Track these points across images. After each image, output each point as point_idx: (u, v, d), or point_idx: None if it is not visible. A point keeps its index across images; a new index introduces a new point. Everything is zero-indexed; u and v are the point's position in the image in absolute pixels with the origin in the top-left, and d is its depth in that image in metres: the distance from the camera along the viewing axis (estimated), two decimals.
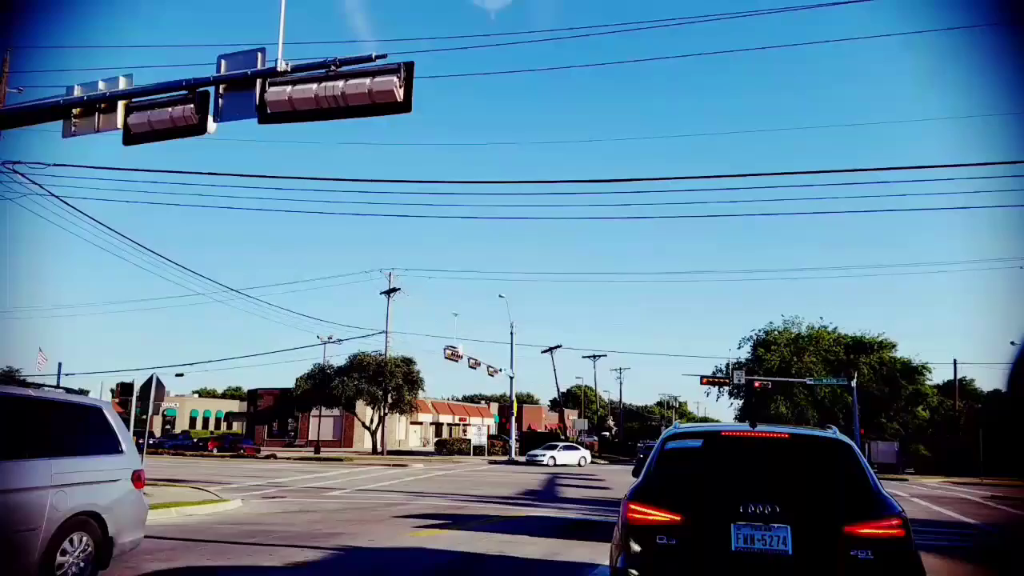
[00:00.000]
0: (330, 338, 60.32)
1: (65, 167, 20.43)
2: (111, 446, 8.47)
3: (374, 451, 56.52)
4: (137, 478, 8.69)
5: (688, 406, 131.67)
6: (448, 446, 65.63)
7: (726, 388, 59.35)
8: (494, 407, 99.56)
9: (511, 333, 62.16)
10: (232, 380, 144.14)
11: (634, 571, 5.59)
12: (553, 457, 50.83)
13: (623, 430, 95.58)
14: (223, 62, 10.67)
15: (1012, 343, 37.06)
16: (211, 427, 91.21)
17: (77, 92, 11.30)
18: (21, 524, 6.90)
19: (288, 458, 50.84)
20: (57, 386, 9.30)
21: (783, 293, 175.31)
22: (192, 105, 10.72)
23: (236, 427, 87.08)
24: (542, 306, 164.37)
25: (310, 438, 67.63)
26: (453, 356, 52.15)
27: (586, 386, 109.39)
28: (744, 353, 62.54)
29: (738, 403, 62.82)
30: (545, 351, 74.03)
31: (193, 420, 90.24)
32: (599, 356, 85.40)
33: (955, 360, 58.51)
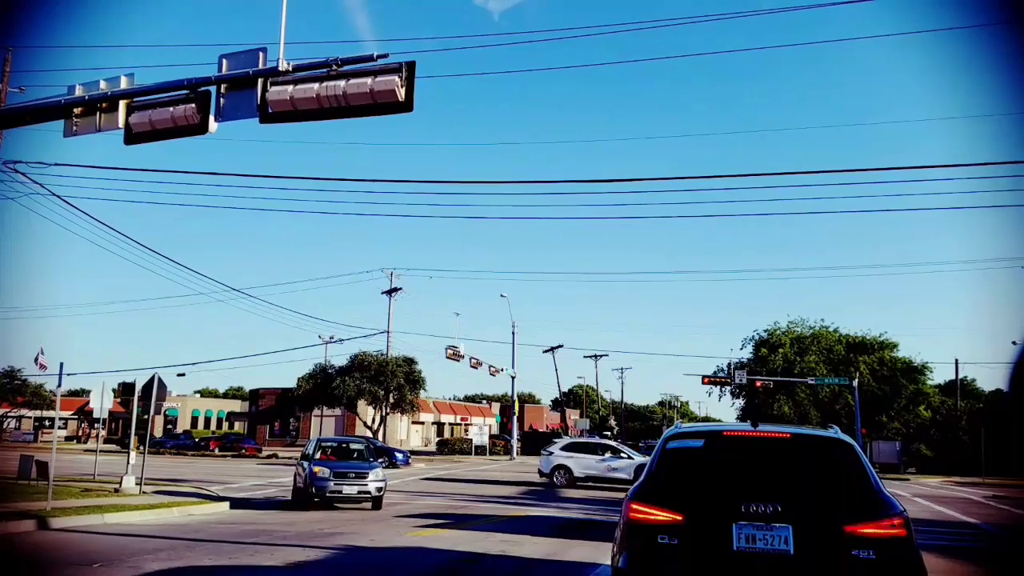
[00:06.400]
0: (332, 338, 60.34)
1: (67, 167, 20.46)
2: None
3: None
4: None
5: (690, 406, 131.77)
6: (450, 446, 65.61)
7: (728, 388, 59.29)
8: (496, 407, 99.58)
9: (513, 333, 62.21)
10: (234, 380, 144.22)
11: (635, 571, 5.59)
12: None
13: (625, 430, 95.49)
14: (224, 62, 10.67)
15: (1014, 343, 37.08)
16: (213, 427, 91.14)
17: (79, 92, 11.30)
18: None
19: (289, 458, 50.76)
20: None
21: (784, 293, 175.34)
22: (193, 104, 10.72)
23: (238, 427, 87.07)
24: (544, 306, 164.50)
25: (312, 438, 67.59)
26: (455, 356, 52.12)
27: (588, 386, 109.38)
28: (746, 353, 62.50)
29: (740, 403, 62.81)
30: (547, 351, 73.98)
31: (195, 420, 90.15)
32: (601, 356, 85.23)
33: (956, 360, 58.43)
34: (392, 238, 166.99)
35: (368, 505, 18.62)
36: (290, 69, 10.29)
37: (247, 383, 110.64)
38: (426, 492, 24.48)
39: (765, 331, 62.16)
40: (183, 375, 60.10)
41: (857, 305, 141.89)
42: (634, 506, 5.74)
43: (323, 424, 65.32)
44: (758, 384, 52.92)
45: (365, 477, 18.32)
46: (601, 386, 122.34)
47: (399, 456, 42.12)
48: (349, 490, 18.08)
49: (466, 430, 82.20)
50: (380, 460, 40.38)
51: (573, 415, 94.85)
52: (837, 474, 5.82)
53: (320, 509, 18.13)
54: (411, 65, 9.91)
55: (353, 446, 21.47)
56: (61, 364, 18.72)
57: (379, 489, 18.46)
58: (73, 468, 29.10)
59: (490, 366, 57.57)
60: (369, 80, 9.89)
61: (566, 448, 29.72)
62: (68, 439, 79.08)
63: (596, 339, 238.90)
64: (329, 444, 21.44)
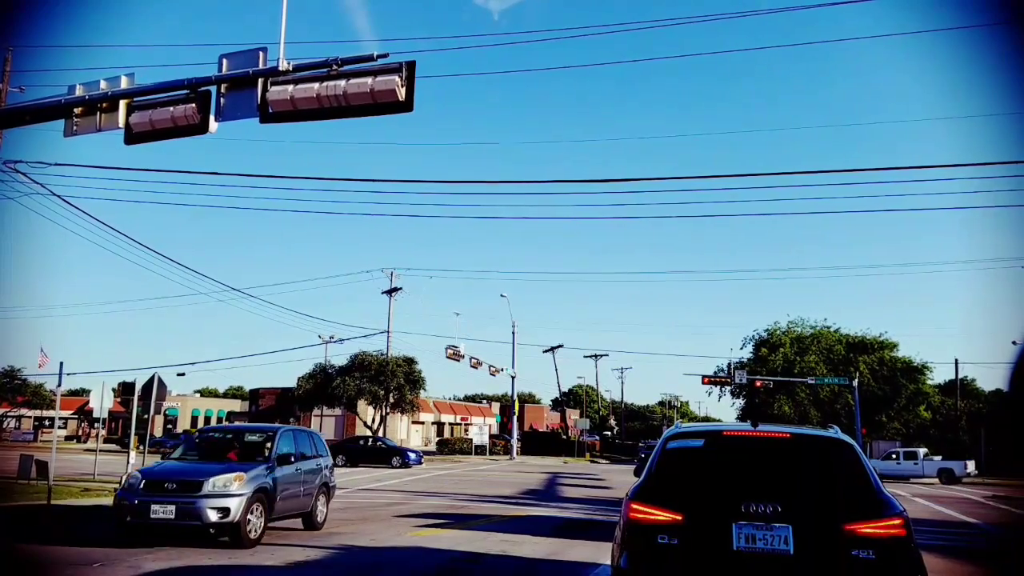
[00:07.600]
0: (332, 338, 60.36)
1: (68, 166, 20.47)
2: None
3: None
4: None
5: (690, 406, 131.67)
6: (450, 445, 65.64)
7: (728, 388, 59.36)
8: (496, 407, 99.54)
9: (513, 333, 62.19)
10: (234, 380, 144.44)
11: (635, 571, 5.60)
12: None
13: (625, 430, 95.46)
14: (225, 61, 10.69)
15: (1014, 343, 37.11)
16: None
17: (79, 91, 11.31)
18: None
19: None
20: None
21: (784, 293, 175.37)
22: (194, 104, 10.73)
23: None
24: (544, 306, 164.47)
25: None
26: (455, 356, 52.13)
27: (588, 386, 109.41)
28: (746, 353, 62.59)
29: (740, 403, 62.87)
30: (547, 351, 74.06)
31: (195, 419, 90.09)
32: (601, 356, 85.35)
33: (956, 360, 58.44)
34: (393, 238, 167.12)
35: (225, 539, 11.38)
36: (290, 69, 10.31)
37: (247, 383, 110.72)
38: (426, 492, 24.49)
39: (765, 331, 62.26)
40: (183, 375, 60.22)
41: (857, 305, 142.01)
42: (634, 506, 5.74)
43: (323, 424, 65.32)
44: (758, 384, 52.96)
45: (196, 490, 10.99)
46: (601, 386, 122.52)
47: (411, 456, 42.56)
48: (161, 511, 10.90)
49: (466, 430, 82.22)
50: (394, 459, 40.73)
51: (573, 415, 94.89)
52: (837, 474, 5.82)
53: (142, 545, 11.10)
54: (411, 65, 9.92)
55: (249, 438, 13.25)
56: (61, 364, 18.76)
57: (224, 512, 10.91)
58: (73, 468, 29.10)
59: (490, 366, 57.58)
60: (369, 80, 9.91)
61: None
62: (68, 439, 79.08)
63: (596, 339, 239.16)
64: (210, 436, 14.31)
